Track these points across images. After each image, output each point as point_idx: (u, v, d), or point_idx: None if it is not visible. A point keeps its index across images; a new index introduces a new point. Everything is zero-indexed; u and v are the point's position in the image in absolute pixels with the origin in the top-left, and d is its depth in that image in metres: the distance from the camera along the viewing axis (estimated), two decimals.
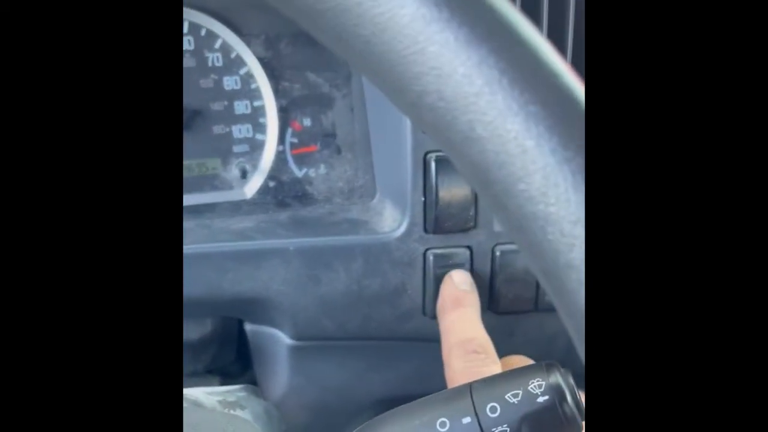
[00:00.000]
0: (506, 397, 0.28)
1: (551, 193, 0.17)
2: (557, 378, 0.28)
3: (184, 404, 0.29)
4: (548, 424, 0.28)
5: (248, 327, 0.51)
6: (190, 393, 0.32)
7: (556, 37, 0.42)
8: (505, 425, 0.28)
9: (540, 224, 0.18)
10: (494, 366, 0.38)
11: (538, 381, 0.28)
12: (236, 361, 0.55)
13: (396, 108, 0.20)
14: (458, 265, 0.44)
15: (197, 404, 0.30)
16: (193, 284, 0.44)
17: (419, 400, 0.30)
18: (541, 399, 0.28)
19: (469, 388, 0.29)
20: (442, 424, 0.28)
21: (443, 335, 0.43)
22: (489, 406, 0.28)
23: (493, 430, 0.28)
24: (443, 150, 0.20)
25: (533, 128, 0.17)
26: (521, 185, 0.18)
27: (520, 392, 0.28)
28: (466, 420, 0.28)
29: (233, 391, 0.35)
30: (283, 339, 0.49)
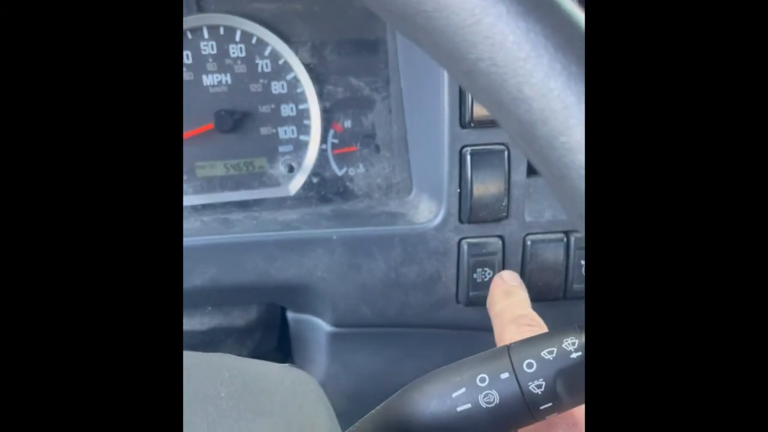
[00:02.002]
0: (542, 354, 0.31)
1: None
2: None
3: (243, 361, 0.31)
4: (581, 377, 0.30)
5: (290, 315, 0.54)
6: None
7: None
8: (540, 379, 0.30)
9: (580, 173, 0.21)
10: None
11: (571, 339, 0.30)
12: (276, 349, 0.58)
13: (451, 78, 0.23)
14: (491, 254, 0.47)
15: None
16: (244, 271, 0.47)
17: (460, 360, 0.33)
18: (574, 355, 0.30)
19: (507, 348, 0.32)
20: (482, 380, 0.31)
21: (496, 319, 0.44)
22: (525, 362, 0.31)
23: (530, 383, 0.30)
24: (492, 112, 0.23)
25: (574, 86, 0.20)
26: (562, 138, 0.21)
27: (555, 349, 0.30)
28: (504, 375, 0.31)
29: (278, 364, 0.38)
30: (323, 327, 0.52)
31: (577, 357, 0.30)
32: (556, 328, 0.32)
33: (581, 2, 0.21)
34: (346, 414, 0.55)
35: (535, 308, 0.49)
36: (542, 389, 0.30)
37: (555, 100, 0.20)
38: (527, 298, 0.46)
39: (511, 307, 0.44)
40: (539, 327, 0.41)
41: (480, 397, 0.30)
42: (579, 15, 0.20)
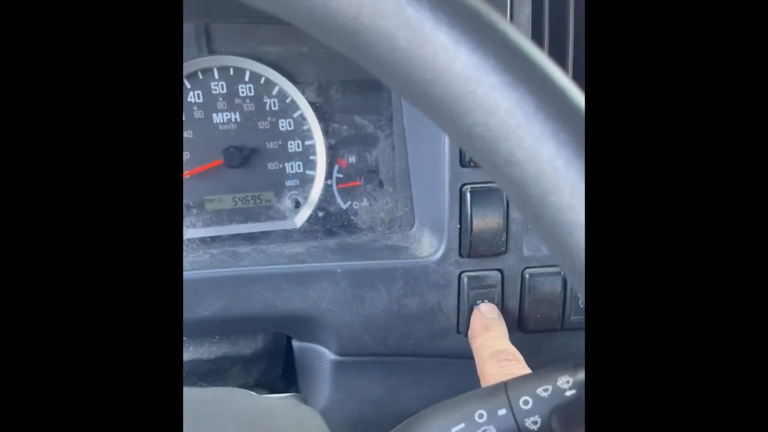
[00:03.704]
0: (537, 391, 0.32)
1: (577, 204, 0.22)
2: (583, 375, 0.32)
3: (252, 397, 0.33)
4: (575, 415, 0.31)
5: (296, 344, 0.55)
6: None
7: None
8: (536, 416, 0.32)
9: (568, 230, 0.22)
10: (525, 370, 0.42)
11: (566, 378, 0.32)
12: (282, 377, 0.59)
13: (450, 140, 0.25)
14: (490, 287, 0.49)
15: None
16: (251, 302, 0.49)
17: (458, 396, 0.34)
18: (568, 393, 0.32)
19: (504, 385, 0.33)
20: (480, 416, 0.32)
21: (477, 353, 0.46)
22: (522, 399, 0.32)
23: (526, 419, 0.32)
24: (487, 171, 0.25)
25: (563, 151, 0.22)
26: (553, 198, 0.22)
27: (550, 387, 0.32)
28: (502, 412, 0.32)
29: (284, 399, 0.40)
30: (327, 355, 0.53)
31: (572, 395, 0.31)
32: (551, 366, 0.33)
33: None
34: None
35: (533, 339, 0.51)
36: (538, 425, 0.31)
37: (545, 163, 0.22)
38: (506, 330, 0.48)
39: (490, 342, 0.46)
40: (516, 361, 0.43)
41: None
42: (568, 84, 0.22)
